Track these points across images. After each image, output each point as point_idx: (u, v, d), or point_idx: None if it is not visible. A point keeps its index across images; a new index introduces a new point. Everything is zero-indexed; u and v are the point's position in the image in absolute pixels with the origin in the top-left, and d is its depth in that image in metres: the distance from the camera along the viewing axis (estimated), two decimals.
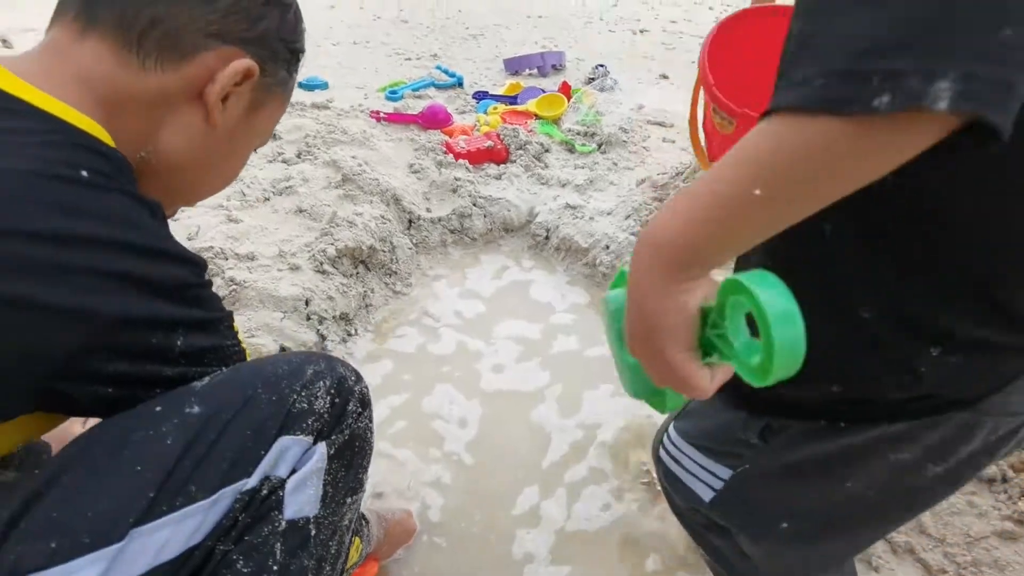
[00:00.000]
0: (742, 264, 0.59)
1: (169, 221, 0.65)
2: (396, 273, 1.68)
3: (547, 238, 1.85)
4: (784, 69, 0.39)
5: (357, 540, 0.88)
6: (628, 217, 1.74)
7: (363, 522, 0.94)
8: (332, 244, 1.55)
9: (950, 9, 0.33)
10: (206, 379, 0.59)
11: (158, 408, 0.55)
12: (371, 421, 0.69)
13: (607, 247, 1.70)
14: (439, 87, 2.61)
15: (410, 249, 1.75)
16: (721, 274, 0.40)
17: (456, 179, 1.93)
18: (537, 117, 2.38)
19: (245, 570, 0.55)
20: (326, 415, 0.61)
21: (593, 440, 1.28)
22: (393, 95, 2.47)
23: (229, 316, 0.65)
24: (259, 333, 1.35)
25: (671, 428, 0.77)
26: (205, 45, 0.64)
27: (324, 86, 2.53)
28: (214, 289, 0.65)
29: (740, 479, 0.69)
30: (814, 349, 0.38)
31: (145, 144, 0.65)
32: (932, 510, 0.99)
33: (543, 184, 2.01)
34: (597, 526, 1.11)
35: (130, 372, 0.54)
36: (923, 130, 0.34)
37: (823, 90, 0.35)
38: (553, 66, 2.94)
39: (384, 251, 1.66)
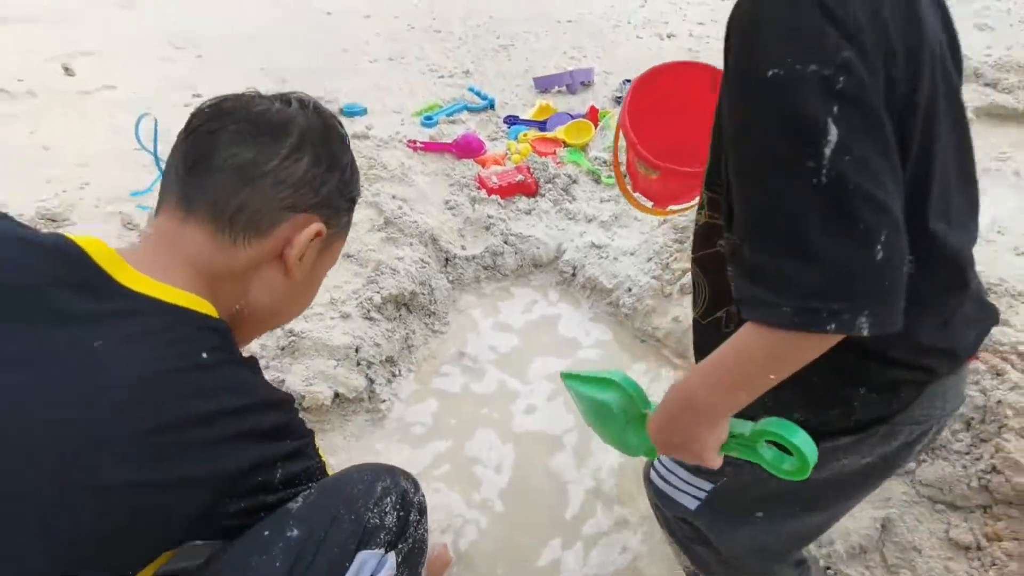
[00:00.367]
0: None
1: None
2: (435, 313, 1.84)
3: (574, 275, 1.98)
4: (752, 292, 0.59)
5: None
6: (650, 260, 1.87)
7: None
8: (378, 292, 1.70)
9: (859, 274, 0.55)
10: (299, 500, 0.74)
11: (266, 533, 0.71)
12: (427, 527, 0.84)
13: (629, 289, 1.83)
14: (472, 110, 2.72)
15: (447, 289, 1.90)
16: None
17: (488, 216, 2.06)
18: (565, 144, 2.49)
19: None
20: (394, 528, 0.77)
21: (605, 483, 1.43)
22: (428, 121, 2.60)
23: (312, 437, 0.81)
24: (316, 381, 1.52)
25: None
26: (282, 218, 0.78)
27: (363, 112, 2.67)
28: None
29: (721, 490, 0.87)
30: (786, 398, 0.65)
31: (238, 301, 0.80)
32: (912, 569, 1.12)
33: (570, 219, 2.14)
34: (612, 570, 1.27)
35: (244, 507, 0.70)
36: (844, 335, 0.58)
37: (793, 316, 0.56)
38: (582, 83, 3.02)
39: (424, 294, 1.81)
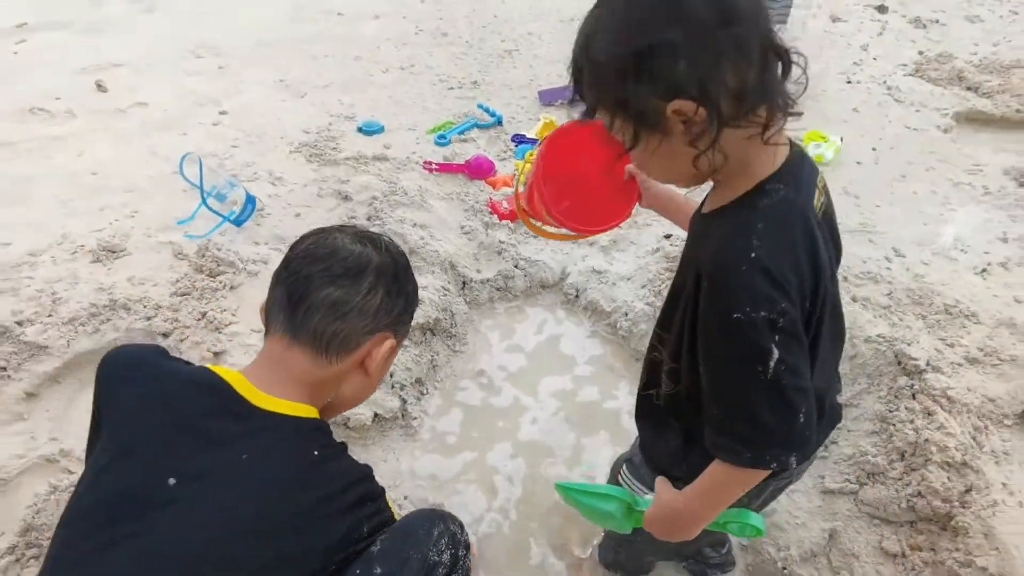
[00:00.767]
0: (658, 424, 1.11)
1: None
2: (455, 335, 2.09)
3: (577, 296, 2.22)
4: (719, 441, 0.88)
5: None
6: (644, 287, 2.11)
7: None
8: None
9: (788, 434, 0.82)
10: (378, 544, 1.00)
11: (358, 571, 0.97)
12: (471, 559, 1.11)
13: (626, 314, 2.07)
14: (481, 127, 2.92)
15: (465, 312, 2.14)
16: None
17: (500, 242, 2.30)
18: None
19: None
20: (448, 563, 1.04)
21: None
22: (442, 139, 2.80)
23: (384, 494, 1.06)
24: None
25: (625, 469, 1.22)
26: (365, 339, 1.03)
27: (381, 130, 2.86)
28: None
29: None
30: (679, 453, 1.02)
31: (330, 396, 1.06)
32: (851, 571, 1.40)
33: (573, 243, 2.37)
34: None
35: (342, 558, 0.95)
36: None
37: (750, 460, 0.86)
38: None
39: (445, 319, 2.06)
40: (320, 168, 2.63)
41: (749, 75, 0.74)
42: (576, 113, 0.89)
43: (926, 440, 1.42)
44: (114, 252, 2.15)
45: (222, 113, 2.97)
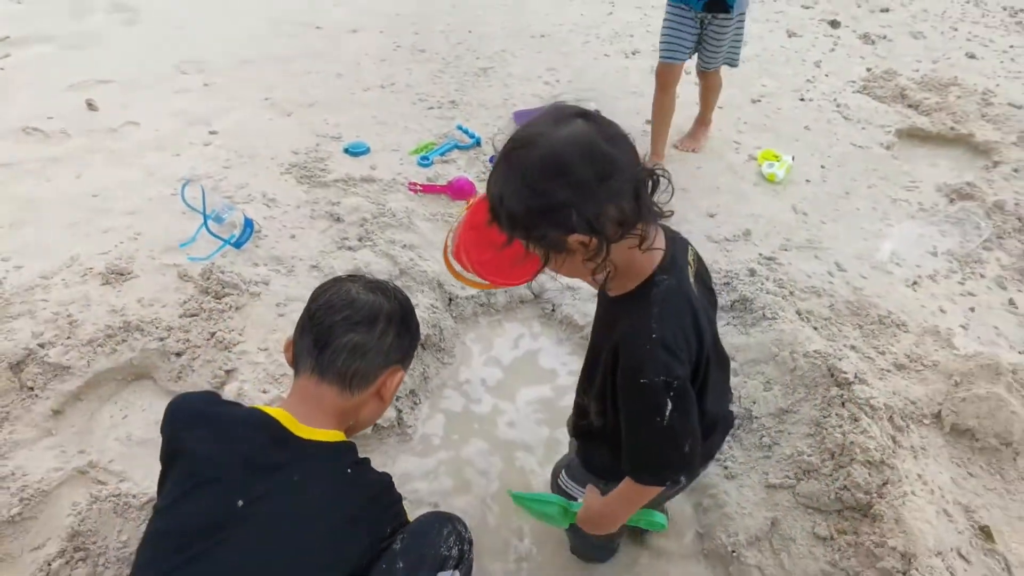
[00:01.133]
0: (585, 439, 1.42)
1: None
2: (444, 349, 2.29)
3: (553, 311, 2.45)
4: (633, 467, 1.17)
5: None
6: None
7: None
8: None
9: (680, 463, 1.13)
10: (398, 542, 1.21)
11: (383, 566, 1.18)
12: (474, 553, 1.33)
13: None
14: (461, 148, 3.12)
15: (452, 327, 2.35)
16: None
17: None
18: None
19: None
20: (456, 556, 1.26)
21: None
22: (425, 161, 2.99)
23: (400, 500, 1.27)
24: None
25: (563, 474, 1.52)
26: (380, 373, 1.25)
27: (367, 151, 3.04)
28: None
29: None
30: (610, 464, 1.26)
31: (352, 420, 1.27)
32: (789, 553, 1.66)
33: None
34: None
35: (372, 559, 1.16)
36: None
37: (652, 481, 1.18)
38: None
39: (435, 334, 2.26)
40: (311, 190, 2.80)
41: (627, 208, 0.98)
42: None
43: (852, 442, 1.69)
44: (122, 275, 2.30)
45: (212, 133, 3.12)
